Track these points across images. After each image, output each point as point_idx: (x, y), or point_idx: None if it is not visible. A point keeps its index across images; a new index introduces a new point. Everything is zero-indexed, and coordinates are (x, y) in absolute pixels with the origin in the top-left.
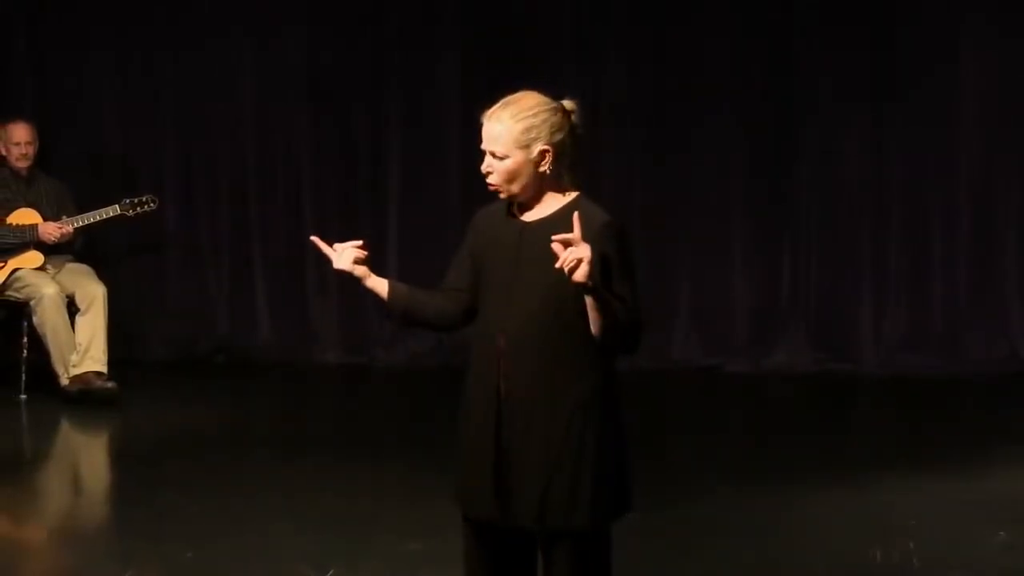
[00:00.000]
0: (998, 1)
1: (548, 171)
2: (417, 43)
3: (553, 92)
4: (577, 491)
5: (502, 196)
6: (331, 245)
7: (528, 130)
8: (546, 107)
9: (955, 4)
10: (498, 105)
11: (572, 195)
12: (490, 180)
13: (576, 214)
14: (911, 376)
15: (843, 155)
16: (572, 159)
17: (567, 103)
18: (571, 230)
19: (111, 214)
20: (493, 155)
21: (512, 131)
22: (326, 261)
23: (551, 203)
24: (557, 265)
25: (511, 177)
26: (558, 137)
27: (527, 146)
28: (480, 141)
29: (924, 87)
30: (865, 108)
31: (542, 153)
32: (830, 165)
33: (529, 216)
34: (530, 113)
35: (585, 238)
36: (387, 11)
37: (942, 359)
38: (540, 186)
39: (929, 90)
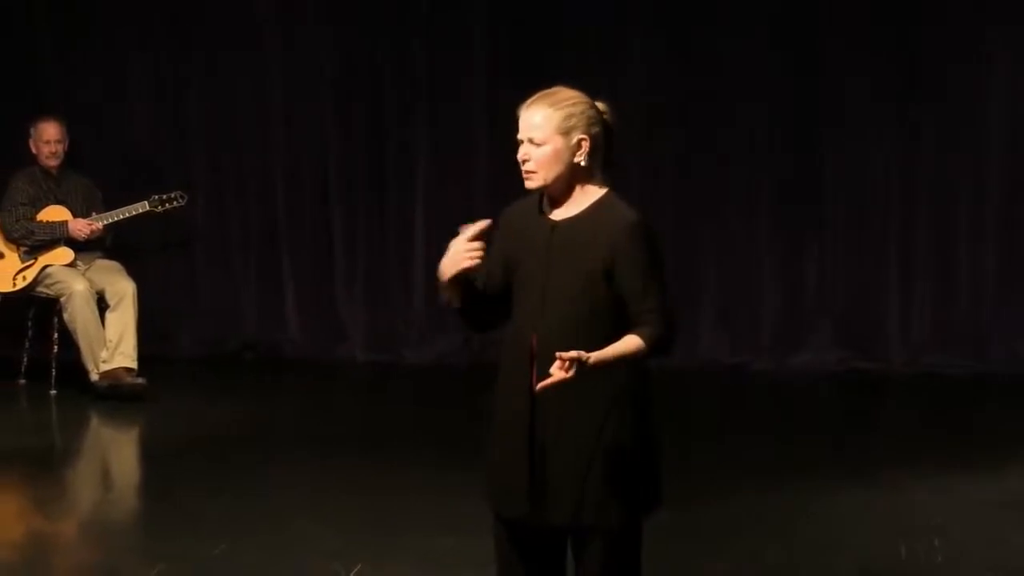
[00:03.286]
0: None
1: (582, 163)
2: (443, 43)
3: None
4: (612, 489)
5: (532, 185)
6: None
7: (568, 118)
8: (584, 100)
9: (982, 3)
10: (536, 96)
11: (601, 192)
12: (527, 167)
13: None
14: (937, 375)
15: (868, 156)
16: (604, 157)
17: (600, 103)
18: (600, 228)
19: (140, 211)
20: (531, 142)
21: (552, 119)
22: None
23: (581, 200)
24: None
25: (548, 164)
26: (595, 130)
27: (566, 133)
28: (509, 135)
29: (950, 87)
30: (891, 109)
31: (579, 142)
32: (856, 166)
33: (559, 214)
34: (569, 103)
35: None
36: (413, 10)
37: (969, 358)
38: (572, 178)
39: (955, 91)
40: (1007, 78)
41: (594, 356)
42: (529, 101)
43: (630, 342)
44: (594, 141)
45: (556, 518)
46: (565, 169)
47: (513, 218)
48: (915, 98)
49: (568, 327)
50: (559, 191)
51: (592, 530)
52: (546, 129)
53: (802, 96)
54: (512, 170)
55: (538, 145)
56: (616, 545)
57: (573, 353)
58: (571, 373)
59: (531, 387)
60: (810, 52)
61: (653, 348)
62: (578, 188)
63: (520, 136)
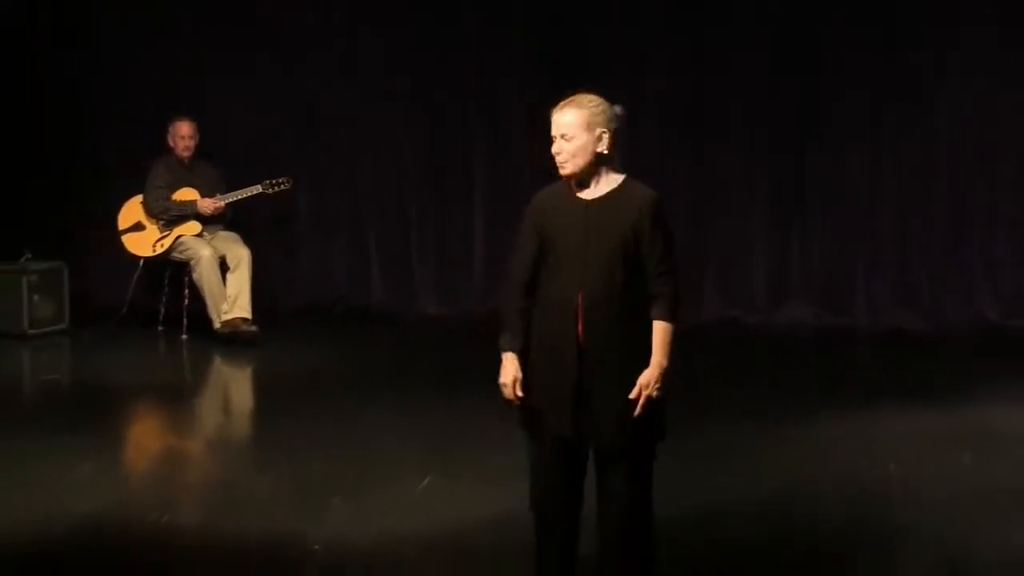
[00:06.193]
0: (985, 24)
1: (604, 152)
2: (493, 60)
3: (605, 94)
4: (641, 419)
5: (565, 172)
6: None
7: (591, 116)
8: (602, 102)
9: (947, 27)
10: (565, 101)
11: (621, 177)
12: (560, 159)
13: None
14: (895, 329)
15: (843, 152)
16: (619, 149)
17: (616, 108)
18: (626, 205)
19: (255, 192)
20: (563, 138)
21: (578, 117)
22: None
23: (606, 183)
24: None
25: (575, 154)
26: (613, 125)
27: (590, 129)
28: (547, 133)
29: (908, 103)
30: (866, 117)
31: (600, 135)
32: (833, 160)
33: (588, 195)
34: (591, 104)
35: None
36: (468, 30)
37: (922, 318)
38: (597, 165)
39: (912, 105)
40: (954, 97)
41: (645, 377)
42: (559, 105)
43: (660, 330)
44: (613, 134)
45: (603, 438)
46: (590, 158)
47: (544, 203)
48: (881, 111)
49: (607, 284)
50: (587, 177)
51: (622, 451)
52: (574, 127)
53: (792, 109)
54: (548, 162)
55: (568, 140)
56: (639, 463)
57: (636, 392)
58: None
59: (578, 337)
60: (799, 76)
61: (674, 312)
62: (602, 174)
63: (553, 134)
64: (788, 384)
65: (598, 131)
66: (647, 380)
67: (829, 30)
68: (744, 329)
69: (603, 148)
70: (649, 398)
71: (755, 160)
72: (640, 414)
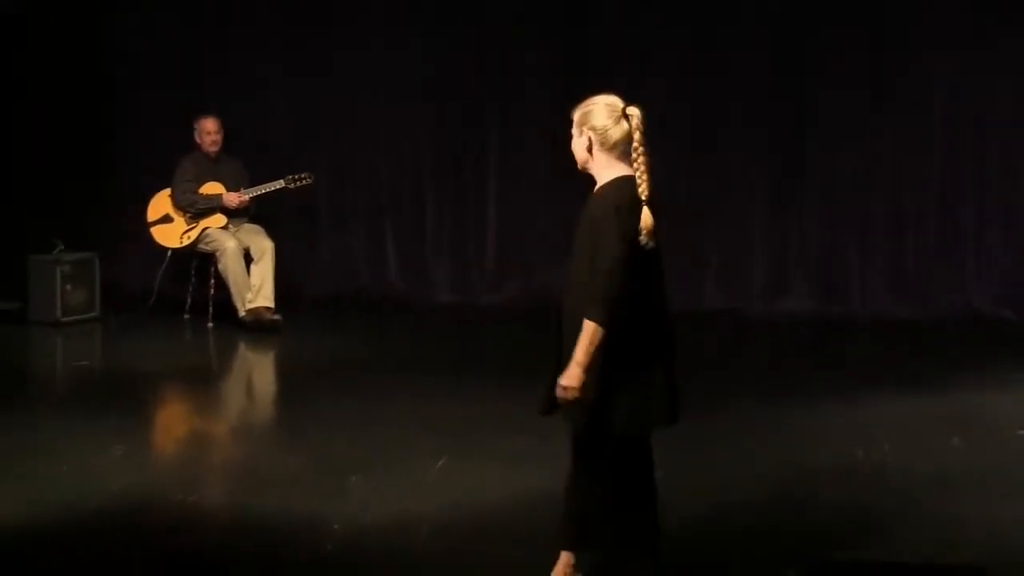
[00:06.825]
0: (983, 24)
1: (595, 152)
2: (508, 58)
3: (620, 97)
4: (580, 409)
5: (578, 166)
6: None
7: (583, 116)
8: (602, 103)
9: (945, 27)
10: None
11: (614, 176)
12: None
13: None
14: (889, 318)
15: (840, 149)
16: (624, 149)
17: (629, 108)
18: (596, 203)
19: (277, 187)
20: (570, 135)
21: (576, 117)
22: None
23: (600, 180)
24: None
25: (575, 150)
26: (601, 126)
27: (579, 128)
28: (558, 129)
29: (904, 102)
30: (861, 115)
31: (586, 134)
32: (830, 157)
33: (593, 190)
34: (586, 108)
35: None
36: (488, 37)
37: (913, 305)
38: (596, 163)
39: (907, 104)
40: (946, 96)
41: (567, 377)
42: None
43: (583, 331)
44: (600, 135)
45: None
46: (584, 155)
47: None
48: (876, 110)
49: (576, 276)
50: (592, 172)
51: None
52: (575, 124)
53: (791, 107)
54: (561, 157)
55: (571, 137)
56: (577, 448)
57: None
58: (569, 394)
59: (557, 324)
60: (798, 76)
61: (597, 312)
62: (603, 171)
63: None
64: (786, 370)
65: (585, 130)
66: (563, 376)
67: (829, 30)
68: (743, 321)
69: (589, 147)
70: (571, 392)
71: (754, 159)
72: (564, 404)
